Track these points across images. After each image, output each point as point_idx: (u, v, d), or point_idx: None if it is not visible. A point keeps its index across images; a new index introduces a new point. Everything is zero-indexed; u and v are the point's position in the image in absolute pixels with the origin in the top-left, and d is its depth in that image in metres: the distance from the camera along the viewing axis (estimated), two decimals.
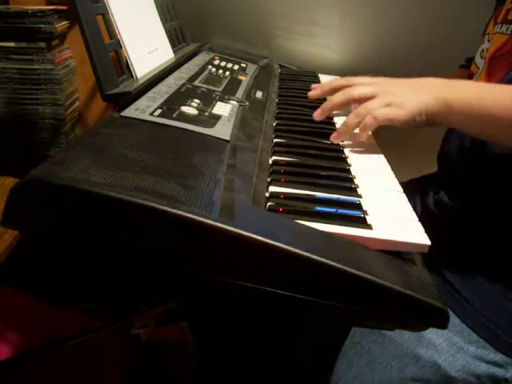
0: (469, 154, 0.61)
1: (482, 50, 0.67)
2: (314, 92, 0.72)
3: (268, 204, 0.43)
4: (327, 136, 0.61)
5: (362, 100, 0.58)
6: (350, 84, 0.63)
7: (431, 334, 0.54)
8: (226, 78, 0.78)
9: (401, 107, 0.53)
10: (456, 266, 0.57)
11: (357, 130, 0.58)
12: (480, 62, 0.67)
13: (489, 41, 0.66)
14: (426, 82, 0.55)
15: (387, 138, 0.69)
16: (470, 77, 0.70)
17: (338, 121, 0.72)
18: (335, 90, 0.64)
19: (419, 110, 0.52)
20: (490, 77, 0.63)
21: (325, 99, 0.75)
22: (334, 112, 0.75)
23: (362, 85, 0.60)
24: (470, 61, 0.73)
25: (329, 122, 0.70)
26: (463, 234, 0.59)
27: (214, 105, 0.61)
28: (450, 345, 0.53)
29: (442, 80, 0.55)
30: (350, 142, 0.62)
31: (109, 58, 0.58)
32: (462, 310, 0.54)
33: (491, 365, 0.52)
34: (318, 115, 0.64)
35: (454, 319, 0.54)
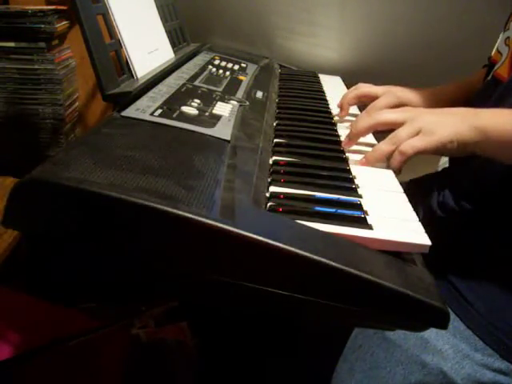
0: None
1: (507, 38, 0.65)
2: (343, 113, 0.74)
3: (268, 204, 0.43)
4: (327, 136, 0.61)
5: (389, 126, 0.55)
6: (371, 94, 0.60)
7: (437, 340, 0.53)
8: (226, 77, 0.78)
9: (431, 134, 0.50)
10: (462, 270, 0.55)
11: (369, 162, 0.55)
12: (504, 49, 0.65)
13: None
14: (458, 111, 0.53)
15: None
16: (491, 64, 0.67)
17: (339, 122, 0.72)
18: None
19: (451, 138, 0.50)
20: None
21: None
22: (335, 112, 0.75)
23: (387, 108, 0.57)
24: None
25: (329, 121, 0.71)
26: (469, 237, 0.57)
27: (215, 105, 0.61)
28: (455, 352, 0.52)
29: (474, 109, 0.53)
30: None
31: (109, 57, 0.58)
32: (468, 316, 0.53)
33: (497, 373, 0.51)
34: (346, 144, 0.60)
35: (459, 325, 0.53)
